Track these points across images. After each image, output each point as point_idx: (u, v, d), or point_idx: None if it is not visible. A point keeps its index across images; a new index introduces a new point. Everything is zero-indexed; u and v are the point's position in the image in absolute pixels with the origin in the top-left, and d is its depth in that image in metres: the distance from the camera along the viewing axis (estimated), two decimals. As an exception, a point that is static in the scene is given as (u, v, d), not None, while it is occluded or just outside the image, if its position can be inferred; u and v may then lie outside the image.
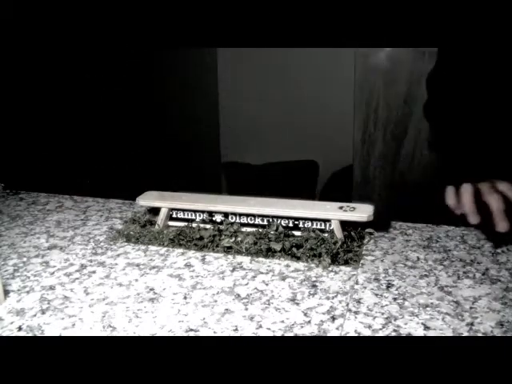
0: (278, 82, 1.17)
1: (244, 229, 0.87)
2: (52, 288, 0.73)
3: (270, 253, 0.81)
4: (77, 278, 0.76)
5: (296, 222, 0.85)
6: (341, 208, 0.82)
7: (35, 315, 0.67)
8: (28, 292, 0.73)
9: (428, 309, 0.65)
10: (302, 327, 0.62)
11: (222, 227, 0.87)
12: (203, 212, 0.89)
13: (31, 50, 1.22)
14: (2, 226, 0.97)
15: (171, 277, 0.75)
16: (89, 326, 0.64)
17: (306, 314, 0.65)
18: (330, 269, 0.76)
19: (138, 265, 0.80)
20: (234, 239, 0.84)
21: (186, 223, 0.90)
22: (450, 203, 0.74)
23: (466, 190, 0.74)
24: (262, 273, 0.76)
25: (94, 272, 0.78)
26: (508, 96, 0.81)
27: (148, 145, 1.28)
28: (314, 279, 0.73)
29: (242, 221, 0.88)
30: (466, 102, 0.84)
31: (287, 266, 0.78)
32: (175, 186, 0.96)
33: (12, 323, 0.65)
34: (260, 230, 0.85)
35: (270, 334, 0.61)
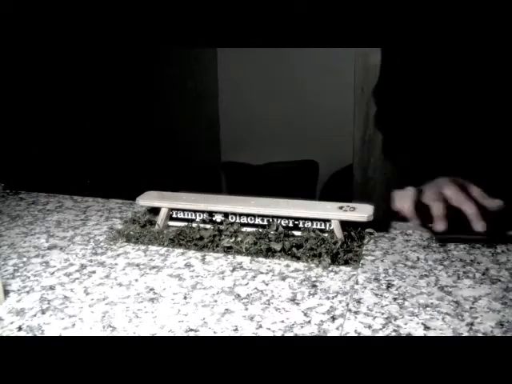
0: (279, 82, 1.16)
1: (244, 229, 0.87)
2: (52, 288, 0.74)
3: (269, 253, 0.81)
4: (77, 278, 0.76)
5: (296, 222, 0.85)
6: (341, 208, 0.82)
7: (35, 315, 0.67)
8: (28, 292, 0.73)
9: (428, 309, 0.65)
10: (302, 327, 0.62)
11: (222, 227, 0.87)
12: (203, 212, 0.89)
13: (29, 49, 1.22)
14: (2, 226, 0.97)
15: (171, 277, 0.75)
16: (89, 325, 0.64)
17: (306, 314, 0.65)
18: (330, 269, 0.76)
19: (138, 265, 0.80)
20: (234, 239, 0.84)
21: (186, 223, 0.89)
22: (395, 208, 0.80)
23: (409, 195, 0.78)
24: (262, 273, 0.76)
25: (94, 272, 0.78)
26: (456, 99, 0.83)
27: (148, 145, 1.28)
28: (313, 279, 0.73)
29: (242, 221, 0.87)
30: (414, 110, 0.87)
31: (287, 266, 0.78)
32: (175, 185, 0.96)
33: (12, 323, 0.65)
34: (260, 230, 0.85)
35: (270, 334, 0.61)
